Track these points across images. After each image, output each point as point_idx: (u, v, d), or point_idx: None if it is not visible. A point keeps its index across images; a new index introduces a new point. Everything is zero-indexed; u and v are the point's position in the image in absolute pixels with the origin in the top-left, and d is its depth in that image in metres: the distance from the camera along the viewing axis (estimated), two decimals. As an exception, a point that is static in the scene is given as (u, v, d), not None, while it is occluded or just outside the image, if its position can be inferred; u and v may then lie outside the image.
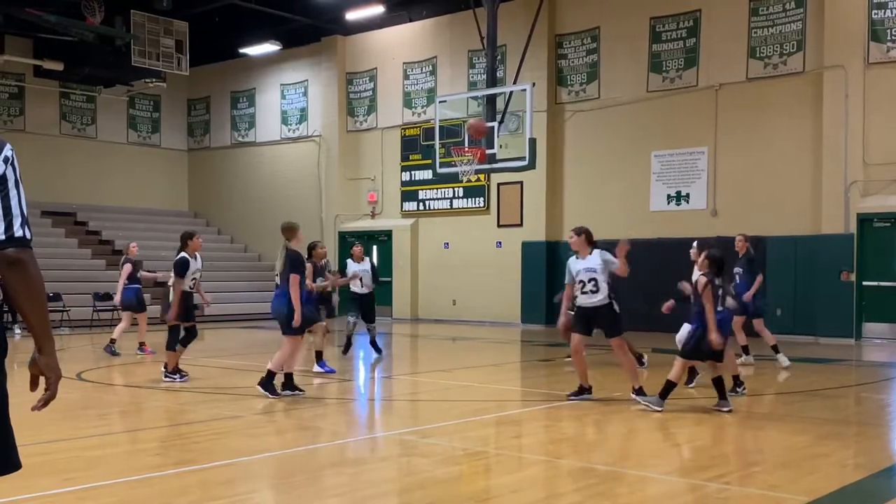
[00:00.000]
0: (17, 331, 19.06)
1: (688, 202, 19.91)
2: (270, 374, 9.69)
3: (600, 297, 9.56)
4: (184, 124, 30.13)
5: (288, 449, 7.40)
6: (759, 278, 13.00)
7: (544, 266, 21.70)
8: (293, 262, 9.62)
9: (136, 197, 28.41)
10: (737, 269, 12.99)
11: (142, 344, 14.74)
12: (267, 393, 9.63)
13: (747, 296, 12.60)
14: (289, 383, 9.83)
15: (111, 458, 6.92)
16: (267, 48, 26.18)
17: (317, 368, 12.01)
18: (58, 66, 24.35)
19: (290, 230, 9.83)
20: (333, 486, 6.02)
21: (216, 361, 13.95)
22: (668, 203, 20.18)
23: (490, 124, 17.16)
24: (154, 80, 25.65)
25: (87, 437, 7.57)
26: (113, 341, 14.55)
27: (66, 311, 20.51)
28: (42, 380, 3.02)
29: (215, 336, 18.75)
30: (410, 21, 24.46)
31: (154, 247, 26.06)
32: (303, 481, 6.29)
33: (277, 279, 9.73)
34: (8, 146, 2.83)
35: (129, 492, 5.74)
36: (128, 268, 14.75)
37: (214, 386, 11.05)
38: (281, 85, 27.47)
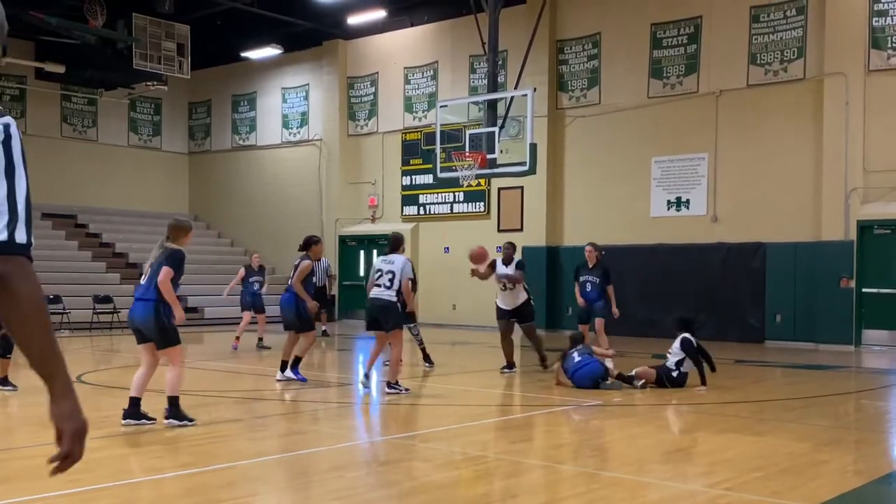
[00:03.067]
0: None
1: (688, 208, 19.93)
2: (173, 401, 8.15)
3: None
4: (185, 127, 30.15)
5: (288, 452, 7.41)
6: (611, 288, 13.70)
7: (545, 271, 21.70)
8: (176, 259, 8.13)
9: (136, 200, 28.41)
10: (590, 279, 13.73)
11: (260, 339, 16.43)
12: (179, 422, 8.08)
13: (615, 311, 13.53)
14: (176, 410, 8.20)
15: (113, 460, 6.93)
16: (268, 52, 26.22)
17: (289, 375, 11.24)
18: (59, 69, 24.36)
19: (179, 229, 8.33)
20: (333, 489, 6.03)
21: (216, 364, 13.96)
22: (669, 209, 20.20)
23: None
24: (155, 83, 25.66)
25: (90, 440, 7.56)
26: (237, 339, 16.19)
27: (67, 313, 20.52)
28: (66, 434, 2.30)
29: (215, 339, 18.75)
30: (412, 26, 24.50)
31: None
32: (303, 485, 6.31)
33: (142, 281, 8.19)
34: (6, 119, 2.14)
35: (133, 494, 5.75)
36: (241, 272, 16.70)
37: (215, 389, 11.05)
38: (282, 89, 27.49)
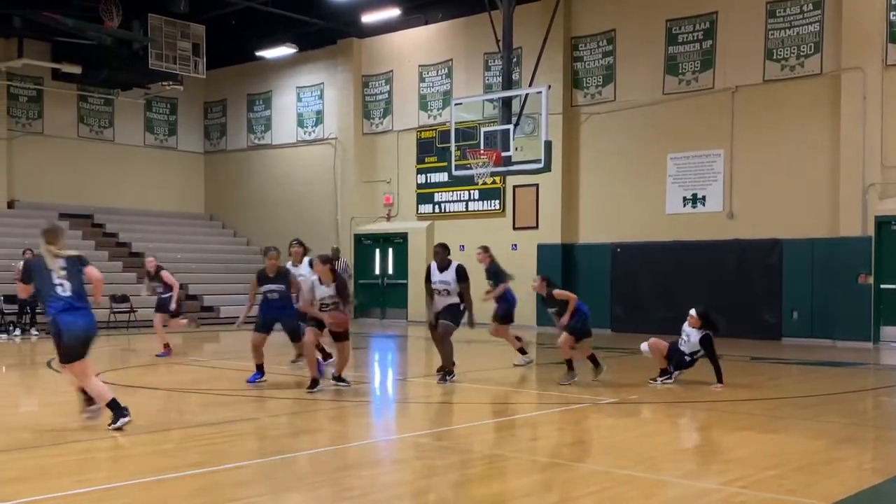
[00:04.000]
0: (34, 332, 19.21)
1: (704, 205, 19.82)
2: (115, 403, 7.85)
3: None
4: (200, 127, 30.25)
5: (302, 451, 7.41)
6: (502, 286, 13.58)
7: (560, 268, 21.66)
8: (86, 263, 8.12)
9: (152, 199, 28.54)
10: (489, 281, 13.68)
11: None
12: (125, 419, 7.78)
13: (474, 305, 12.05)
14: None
15: (126, 459, 6.96)
16: (283, 51, 26.25)
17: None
18: (76, 70, 24.47)
19: (58, 233, 8.12)
20: (348, 488, 6.02)
21: (232, 364, 13.99)
22: (685, 206, 20.10)
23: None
24: (171, 83, 25.76)
25: (103, 439, 7.60)
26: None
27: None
28: None
29: (230, 338, 18.81)
30: (426, 24, 24.48)
31: (170, 249, 26.25)
32: (317, 484, 6.30)
33: (65, 290, 7.78)
34: None
35: (144, 493, 5.76)
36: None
37: (230, 388, 11.07)
38: (297, 88, 27.54)
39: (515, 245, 22.37)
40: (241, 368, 12.66)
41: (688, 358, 11.10)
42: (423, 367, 13.20)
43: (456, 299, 11.38)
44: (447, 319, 11.34)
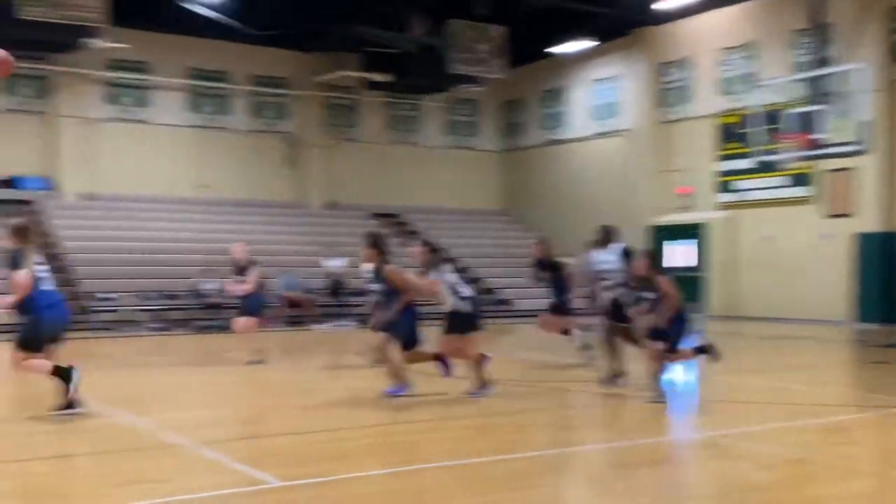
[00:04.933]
0: (343, 323, 20.55)
1: None
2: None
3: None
4: (498, 126, 31.03)
5: (596, 444, 7.31)
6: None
7: (880, 259, 19.78)
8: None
9: (452, 198, 29.69)
10: None
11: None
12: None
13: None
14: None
15: (422, 444, 7.25)
16: (577, 45, 26.24)
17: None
18: (386, 78, 26.06)
19: (23, 231, 8.05)
20: (643, 485, 5.85)
21: (526, 355, 14.19)
22: None
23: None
24: (472, 85, 26.63)
25: (398, 423, 7.99)
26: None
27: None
28: None
29: (524, 332, 19.11)
30: (724, 5, 23.37)
31: (469, 245, 27.16)
32: (611, 478, 6.18)
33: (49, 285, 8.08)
34: None
35: (443, 475, 5.96)
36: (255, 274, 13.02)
37: (523, 380, 11.20)
38: (591, 81, 27.44)
39: (827, 234, 20.74)
40: (531, 361, 12.77)
41: None
42: (722, 364, 12.53)
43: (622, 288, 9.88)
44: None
